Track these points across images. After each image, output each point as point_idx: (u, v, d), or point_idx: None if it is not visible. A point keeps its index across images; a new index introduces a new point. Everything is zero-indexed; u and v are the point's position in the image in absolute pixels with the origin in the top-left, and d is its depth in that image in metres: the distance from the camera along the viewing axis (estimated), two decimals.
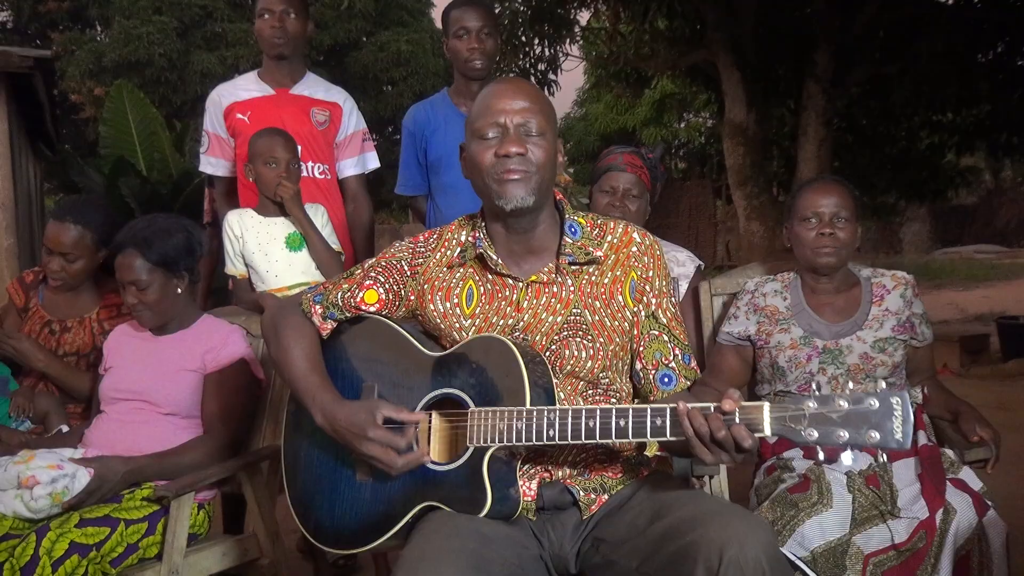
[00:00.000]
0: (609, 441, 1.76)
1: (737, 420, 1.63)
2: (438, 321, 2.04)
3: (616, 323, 1.98)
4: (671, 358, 2.00)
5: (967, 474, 2.39)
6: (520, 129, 1.92)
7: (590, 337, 1.95)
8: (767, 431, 1.61)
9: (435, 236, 2.12)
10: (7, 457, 2.49)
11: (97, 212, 2.99)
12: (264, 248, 3.11)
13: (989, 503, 2.30)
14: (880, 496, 2.31)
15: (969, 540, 2.24)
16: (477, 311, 2.00)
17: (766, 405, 1.63)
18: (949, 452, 2.48)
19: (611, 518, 1.92)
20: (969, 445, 2.52)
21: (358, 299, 2.08)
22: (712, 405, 1.65)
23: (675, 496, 1.86)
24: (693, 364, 2.04)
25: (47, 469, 2.39)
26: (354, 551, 2.00)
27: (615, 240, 2.02)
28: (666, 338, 2.01)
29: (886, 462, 2.40)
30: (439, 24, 4.06)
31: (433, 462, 1.91)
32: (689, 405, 1.67)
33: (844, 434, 1.56)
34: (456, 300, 2.02)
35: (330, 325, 2.11)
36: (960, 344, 8.30)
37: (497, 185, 1.92)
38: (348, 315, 2.10)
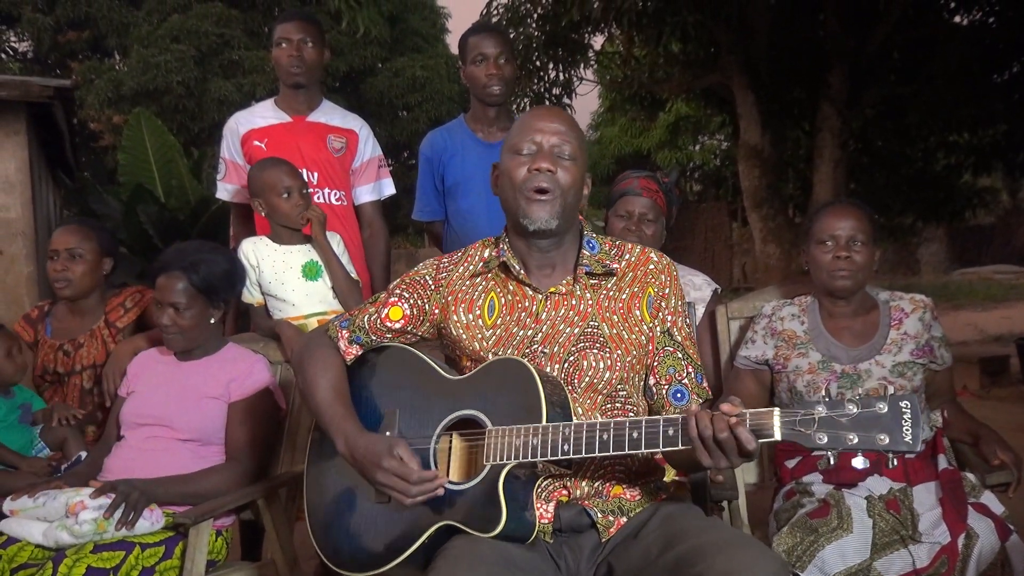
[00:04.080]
0: (623, 452, 1.77)
1: (747, 423, 1.65)
2: (460, 332, 2.07)
3: (633, 336, 2.02)
4: (684, 375, 2.04)
5: (988, 498, 2.38)
6: (554, 149, 2.00)
7: (608, 349, 1.99)
8: (777, 436, 1.64)
9: (459, 253, 2.19)
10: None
11: (100, 225, 3.21)
12: (281, 277, 3.11)
13: (1011, 527, 2.28)
14: (901, 521, 2.29)
15: (992, 565, 2.23)
16: (498, 322, 2.05)
17: (776, 410, 1.65)
18: (970, 476, 2.46)
19: (626, 545, 1.92)
20: (990, 469, 2.50)
21: (383, 316, 2.14)
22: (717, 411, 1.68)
23: (688, 525, 1.86)
24: (705, 384, 2.08)
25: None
26: (371, 573, 1.99)
27: (632, 258, 2.09)
28: (680, 355, 2.05)
29: (906, 486, 2.38)
30: (454, 50, 4.10)
31: (451, 482, 1.92)
32: (698, 408, 1.70)
33: (854, 437, 1.58)
34: (478, 311, 2.07)
35: (355, 350, 2.16)
36: (980, 365, 8.22)
37: (525, 203, 1.99)
38: (374, 337, 2.16)
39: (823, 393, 1.65)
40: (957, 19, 9.39)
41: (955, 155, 10.43)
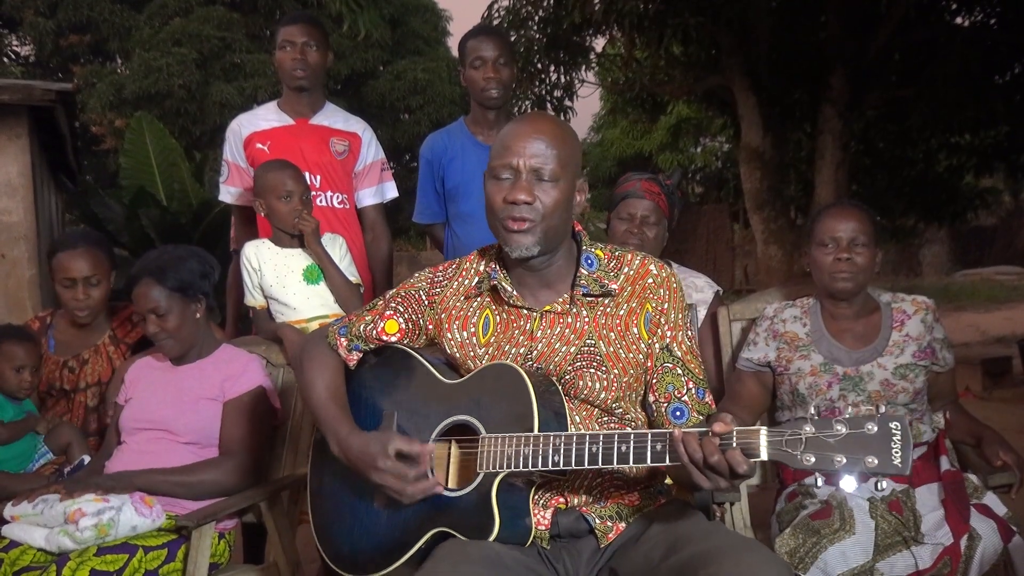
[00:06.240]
0: (612, 466, 1.75)
1: (734, 444, 1.61)
2: (454, 350, 2.05)
3: (631, 355, 1.97)
4: (684, 392, 1.98)
5: (991, 499, 2.38)
6: (532, 174, 1.91)
7: (604, 368, 1.94)
8: (763, 455, 1.60)
9: (453, 266, 2.15)
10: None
11: (99, 237, 3.11)
12: (282, 281, 3.11)
13: (1014, 528, 2.28)
14: (903, 522, 2.29)
15: (995, 566, 2.23)
16: (491, 340, 2.02)
17: (763, 429, 1.61)
18: (973, 477, 2.46)
19: (627, 550, 1.91)
20: (992, 470, 2.50)
21: (379, 329, 2.12)
22: (706, 429, 1.64)
23: (691, 530, 1.85)
24: (707, 399, 2.01)
25: (93, 502, 2.41)
26: None
27: (631, 272, 2.02)
28: (680, 371, 1.99)
29: (909, 488, 2.39)
30: (455, 52, 4.09)
31: (447, 488, 1.92)
32: (683, 430, 1.65)
33: (842, 459, 1.54)
34: (473, 329, 2.04)
35: (356, 356, 2.16)
36: (982, 367, 8.22)
37: (505, 232, 1.93)
38: (372, 346, 2.15)
39: (812, 411, 1.61)
40: (958, 21, 9.40)
41: (957, 156, 10.42)
